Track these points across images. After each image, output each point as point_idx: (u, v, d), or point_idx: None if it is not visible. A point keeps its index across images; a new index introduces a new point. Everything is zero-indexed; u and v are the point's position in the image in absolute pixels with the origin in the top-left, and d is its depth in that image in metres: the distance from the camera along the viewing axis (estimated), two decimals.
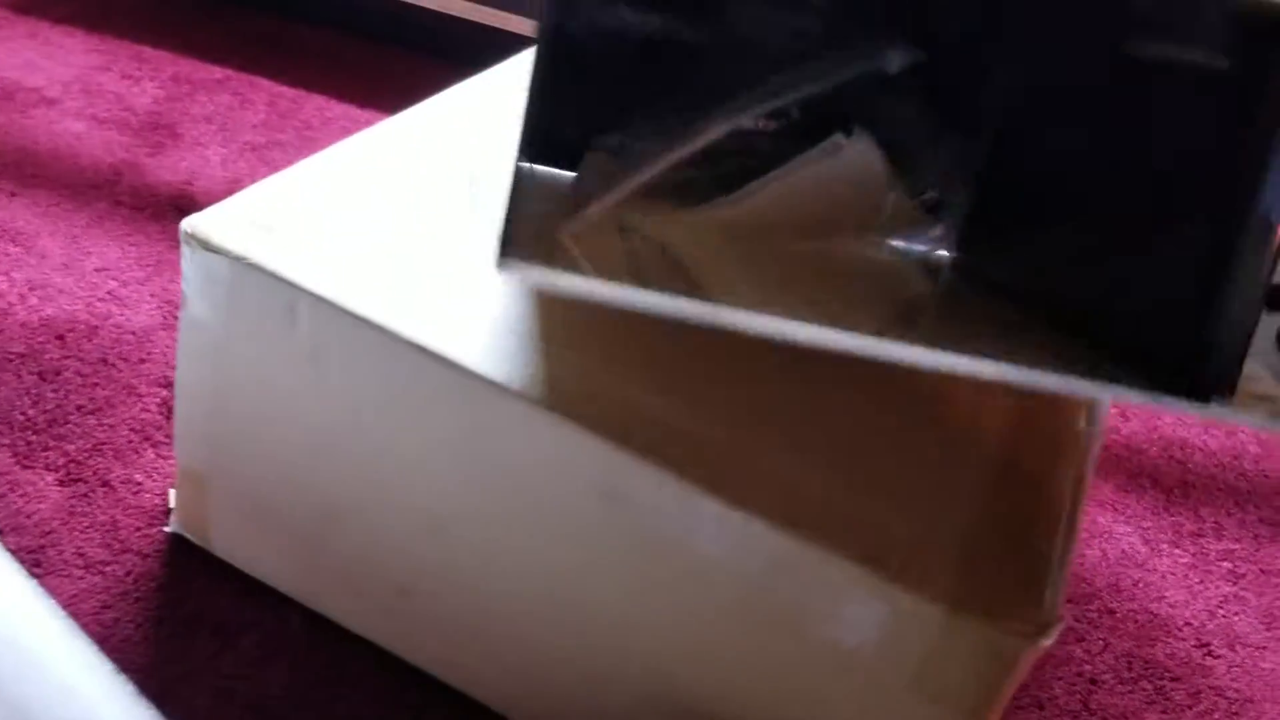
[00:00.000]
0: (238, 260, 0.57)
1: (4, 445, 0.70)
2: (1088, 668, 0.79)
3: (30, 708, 0.48)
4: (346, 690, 0.62)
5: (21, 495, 0.67)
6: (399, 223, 0.61)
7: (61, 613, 0.53)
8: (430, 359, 0.55)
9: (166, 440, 0.73)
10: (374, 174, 0.64)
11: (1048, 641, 0.53)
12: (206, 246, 0.57)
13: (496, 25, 1.19)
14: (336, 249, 0.58)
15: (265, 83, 1.15)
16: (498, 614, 0.61)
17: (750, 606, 0.54)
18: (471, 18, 1.20)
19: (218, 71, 1.15)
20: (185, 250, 0.57)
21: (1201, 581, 0.88)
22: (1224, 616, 0.86)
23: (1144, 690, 0.79)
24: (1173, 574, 0.88)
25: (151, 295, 0.84)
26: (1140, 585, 0.86)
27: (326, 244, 0.58)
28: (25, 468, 0.69)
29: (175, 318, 0.82)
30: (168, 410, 0.75)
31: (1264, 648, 0.85)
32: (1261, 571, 0.90)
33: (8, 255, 0.84)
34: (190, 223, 0.57)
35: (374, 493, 0.60)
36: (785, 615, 0.54)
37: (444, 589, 0.61)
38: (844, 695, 0.55)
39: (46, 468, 0.69)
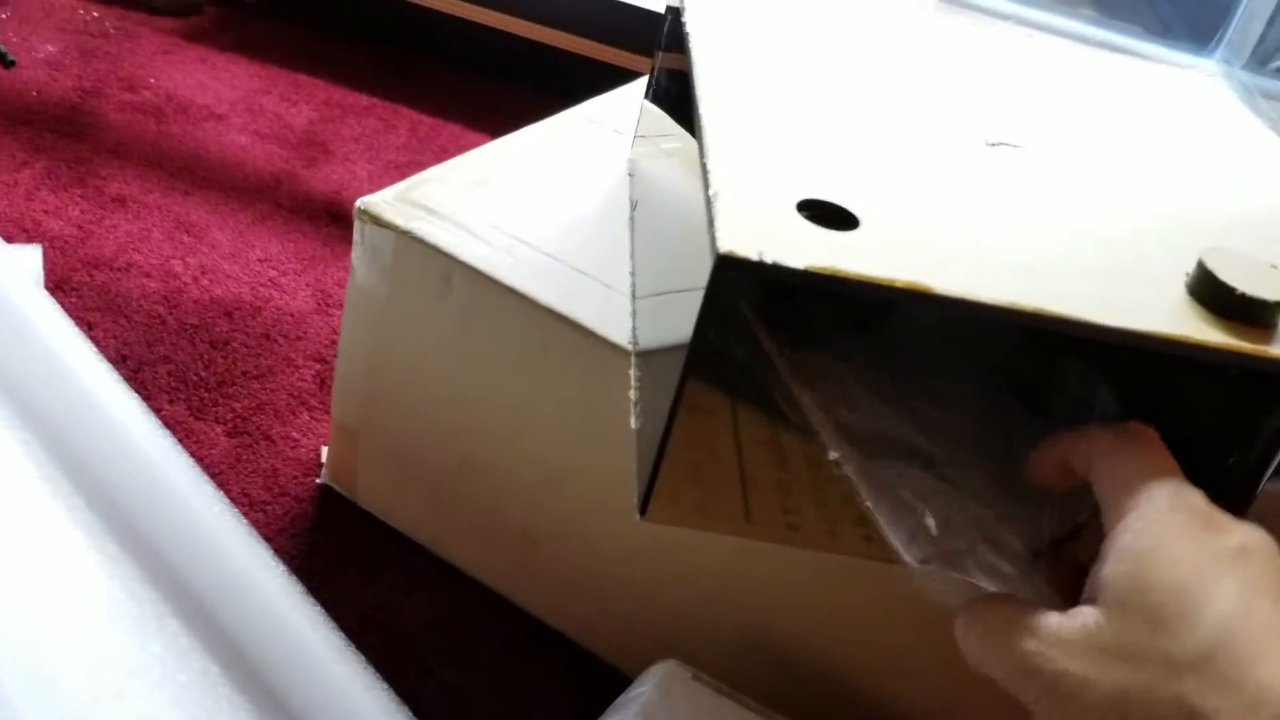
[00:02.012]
0: (402, 234, 0.65)
1: (180, 400, 0.79)
2: None
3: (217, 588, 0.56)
4: (473, 629, 0.69)
5: (195, 442, 0.76)
6: (539, 210, 0.69)
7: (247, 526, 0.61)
8: (563, 323, 0.62)
9: (319, 406, 0.81)
10: (512, 170, 0.72)
11: None
12: (376, 222, 0.65)
13: (611, 61, 1.28)
14: (486, 228, 0.66)
15: (406, 110, 1.25)
16: (612, 565, 0.67)
17: (846, 562, 0.60)
18: (587, 53, 1.29)
19: (364, 99, 1.26)
20: (357, 225, 0.66)
21: None
22: None
23: None
24: None
25: (307, 284, 0.93)
26: None
27: (477, 224, 0.66)
28: (198, 420, 0.78)
29: (328, 304, 0.91)
30: (321, 381, 0.83)
31: None
32: None
33: (183, 243, 0.94)
34: (363, 202, 0.66)
35: (505, 446, 0.67)
36: (878, 571, 0.59)
37: (564, 541, 0.68)
38: (932, 650, 0.60)
39: (216, 421, 0.78)
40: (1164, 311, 0.48)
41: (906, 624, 0.60)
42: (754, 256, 0.44)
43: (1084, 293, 0.47)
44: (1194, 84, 0.75)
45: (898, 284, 0.45)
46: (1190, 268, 0.50)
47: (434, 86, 1.31)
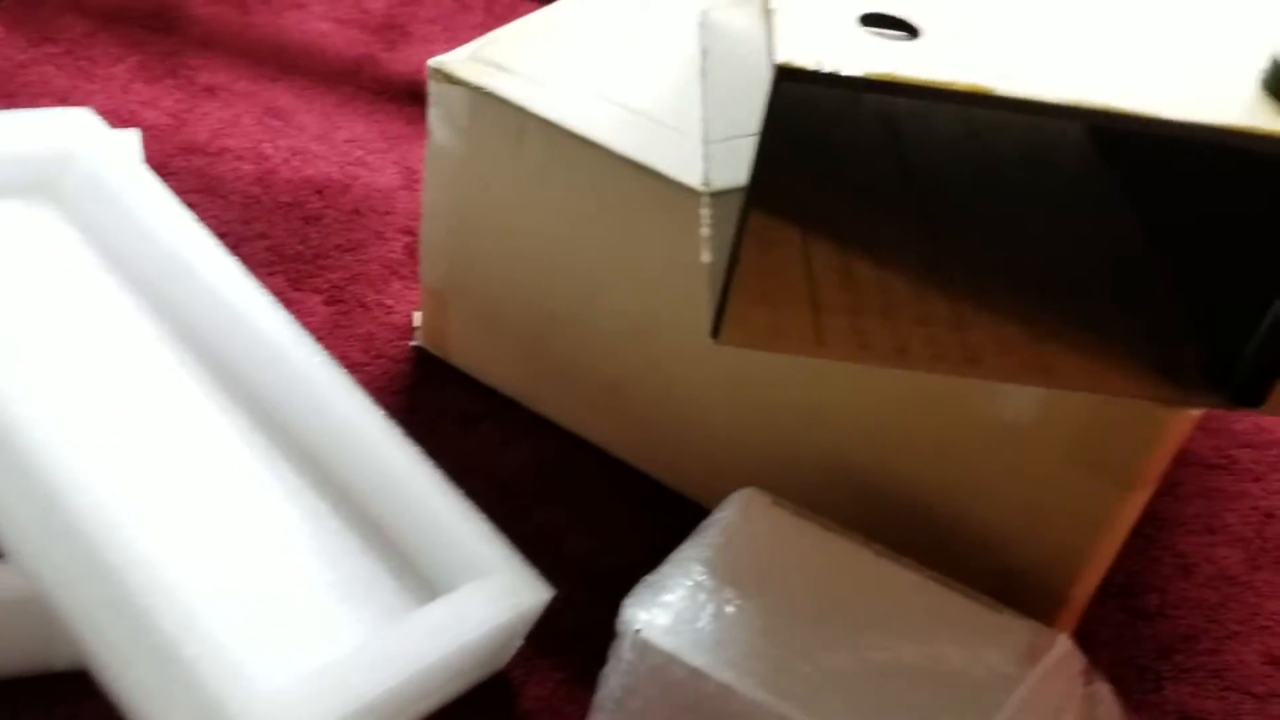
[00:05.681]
0: (475, 90, 0.66)
1: (279, 273, 0.83)
2: (1264, 503, 0.81)
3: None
4: (567, 473, 0.72)
5: (296, 310, 0.79)
6: (611, 63, 0.69)
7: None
8: (639, 171, 0.63)
9: (410, 275, 0.84)
10: (583, 25, 0.73)
11: (1195, 413, 0.58)
12: (449, 80, 0.67)
13: None
14: (558, 83, 0.67)
15: None
16: (694, 408, 0.69)
17: (920, 388, 0.61)
18: None
19: None
20: (431, 85, 0.67)
21: None
22: None
23: None
24: None
25: (393, 163, 0.95)
26: None
27: (549, 79, 0.67)
28: (296, 290, 0.81)
29: (414, 181, 0.94)
30: (410, 252, 0.86)
31: None
32: None
33: (272, 127, 0.97)
34: (436, 61, 0.67)
35: (588, 298, 0.69)
36: (951, 394, 0.60)
37: (648, 386, 0.70)
38: (1004, 468, 0.61)
39: (314, 291, 0.82)
40: (1238, 106, 0.47)
41: (978, 444, 0.61)
42: (811, 65, 0.44)
43: (1153, 91, 0.47)
44: None
45: (958, 87, 0.46)
46: (1264, 64, 0.48)
47: None
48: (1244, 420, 0.87)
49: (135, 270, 0.68)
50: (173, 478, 0.59)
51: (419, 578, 0.60)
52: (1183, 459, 0.83)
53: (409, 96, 1.05)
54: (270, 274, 0.83)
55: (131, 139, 0.84)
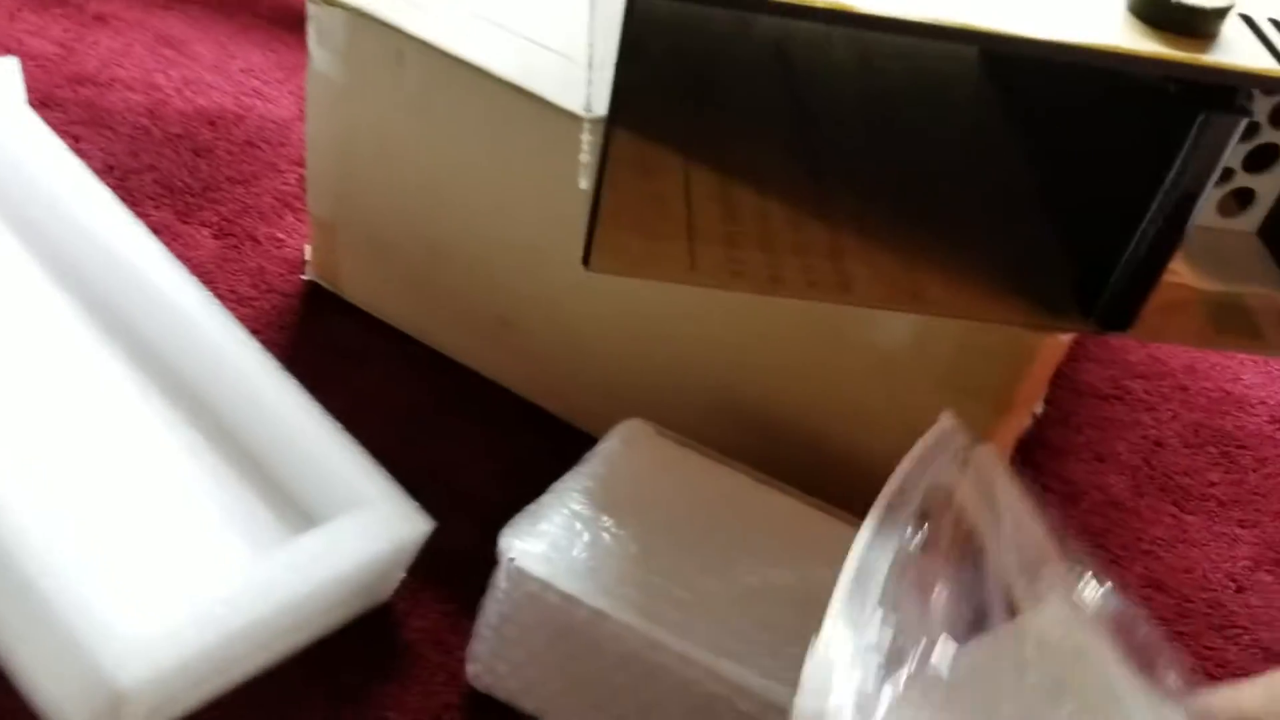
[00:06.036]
0: (352, 12, 0.64)
1: (167, 206, 0.81)
2: (1154, 432, 0.83)
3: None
4: (459, 408, 0.72)
5: (183, 244, 0.78)
6: None
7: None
8: (522, 96, 0.61)
9: (304, 208, 0.82)
10: None
11: (1063, 339, 0.58)
12: (327, 1, 0.65)
13: None
14: (437, 4, 0.65)
15: None
16: (585, 340, 0.69)
17: (804, 319, 0.61)
18: None
19: None
20: (309, 6, 0.65)
21: None
22: None
23: (1208, 454, 0.82)
24: (1251, 360, 0.90)
25: (290, 93, 0.93)
26: (1217, 368, 0.89)
27: (428, 1, 0.65)
28: (184, 223, 0.79)
29: None
30: (305, 184, 0.84)
31: None
32: None
33: (164, 57, 0.94)
34: None
35: (474, 228, 0.68)
36: (833, 324, 0.60)
37: (538, 317, 0.69)
38: (883, 396, 0.61)
39: (202, 224, 0.80)
40: (1098, 26, 0.47)
41: (859, 373, 0.61)
42: None
43: (1013, 11, 0.46)
44: None
45: (817, 4, 0.45)
46: None
47: None
48: (1139, 351, 0.88)
49: (6, 205, 0.66)
50: (44, 413, 0.58)
51: (298, 511, 0.59)
52: (1076, 389, 0.84)
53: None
54: (158, 207, 0.80)
55: (10, 67, 0.81)
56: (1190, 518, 0.77)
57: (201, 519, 0.58)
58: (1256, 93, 0.51)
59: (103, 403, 0.60)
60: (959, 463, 0.53)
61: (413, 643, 0.60)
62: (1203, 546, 0.76)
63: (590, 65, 0.65)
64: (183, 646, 0.48)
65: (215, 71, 0.94)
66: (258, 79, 0.94)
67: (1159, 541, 0.75)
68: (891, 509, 0.50)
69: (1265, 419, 0.86)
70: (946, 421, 0.54)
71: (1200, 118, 0.47)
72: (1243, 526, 0.77)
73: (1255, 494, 0.80)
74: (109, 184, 0.78)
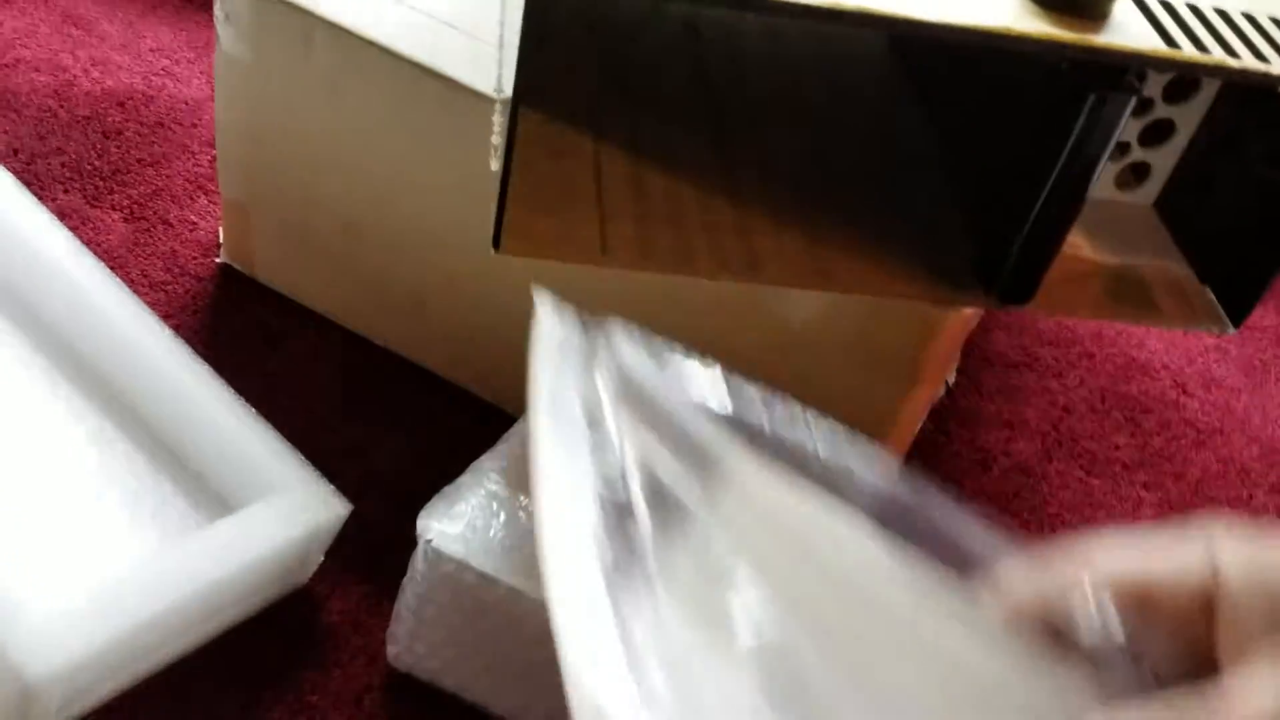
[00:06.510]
0: None
1: (75, 189, 0.79)
2: (1061, 399, 0.85)
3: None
4: (377, 389, 0.72)
5: (92, 229, 0.76)
6: None
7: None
8: (431, 76, 0.61)
9: (217, 190, 0.81)
10: None
11: (969, 311, 0.60)
12: None
13: None
14: None
15: None
16: (500, 319, 0.69)
17: (718, 296, 0.61)
18: None
19: None
20: None
21: (1185, 334, 0.93)
22: (1203, 364, 0.91)
23: (1115, 419, 0.85)
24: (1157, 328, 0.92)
25: (201, 73, 0.91)
26: (1123, 335, 0.92)
27: None
28: (94, 207, 0.78)
29: None
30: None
31: (1239, 390, 0.90)
32: (1246, 327, 0.95)
33: (71, 37, 0.92)
34: None
35: (386, 209, 0.68)
36: (747, 301, 0.61)
37: (453, 297, 0.69)
38: (796, 372, 0.62)
39: (112, 207, 0.78)
40: (993, 7, 0.48)
41: (774, 349, 0.62)
42: None
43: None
44: None
45: None
46: None
47: None
48: (1048, 320, 0.91)
49: None
50: None
51: (212, 497, 0.59)
52: (987, 358, 0.86)
53: None
54: (66, 191, 0.79)
55: None
56: (1096, 481, 0.80)
57: (113, 508, 0.57)
58: (1149, 71, 0.52)
59: (8, 392, 0.59)
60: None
61: (332, 626, 0.60)
62: (1108, 508, 0.78)
63: (501, 45, 0.64)
64: (94, 635, 0.48)
65: (124, 51, 0.92)
66: (168, 58, 0.92)
67: (1065, 504, 0.78)
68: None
69: (1168, 384, 0.89)
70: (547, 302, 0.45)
71: (1092, 96, 0.48)
72: (1146, 489, 0.80)
73: (1159, 457, 0.83)
74: (14, 168, 0.76)
